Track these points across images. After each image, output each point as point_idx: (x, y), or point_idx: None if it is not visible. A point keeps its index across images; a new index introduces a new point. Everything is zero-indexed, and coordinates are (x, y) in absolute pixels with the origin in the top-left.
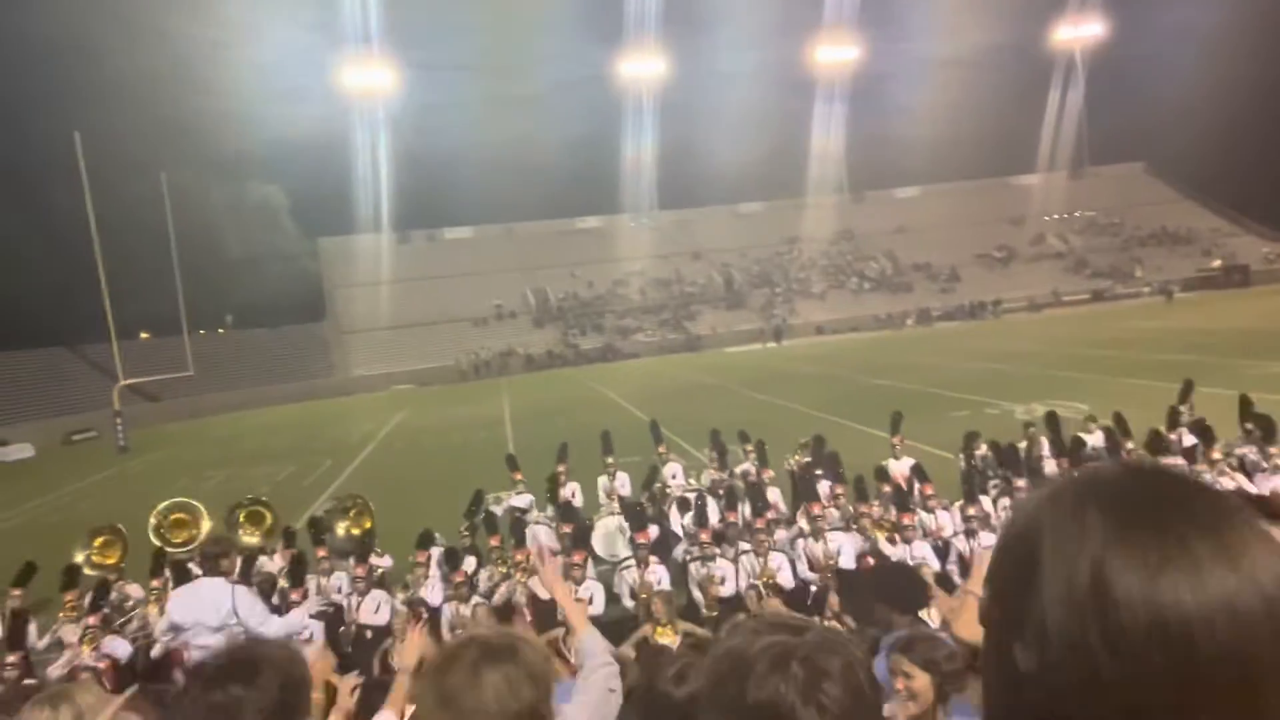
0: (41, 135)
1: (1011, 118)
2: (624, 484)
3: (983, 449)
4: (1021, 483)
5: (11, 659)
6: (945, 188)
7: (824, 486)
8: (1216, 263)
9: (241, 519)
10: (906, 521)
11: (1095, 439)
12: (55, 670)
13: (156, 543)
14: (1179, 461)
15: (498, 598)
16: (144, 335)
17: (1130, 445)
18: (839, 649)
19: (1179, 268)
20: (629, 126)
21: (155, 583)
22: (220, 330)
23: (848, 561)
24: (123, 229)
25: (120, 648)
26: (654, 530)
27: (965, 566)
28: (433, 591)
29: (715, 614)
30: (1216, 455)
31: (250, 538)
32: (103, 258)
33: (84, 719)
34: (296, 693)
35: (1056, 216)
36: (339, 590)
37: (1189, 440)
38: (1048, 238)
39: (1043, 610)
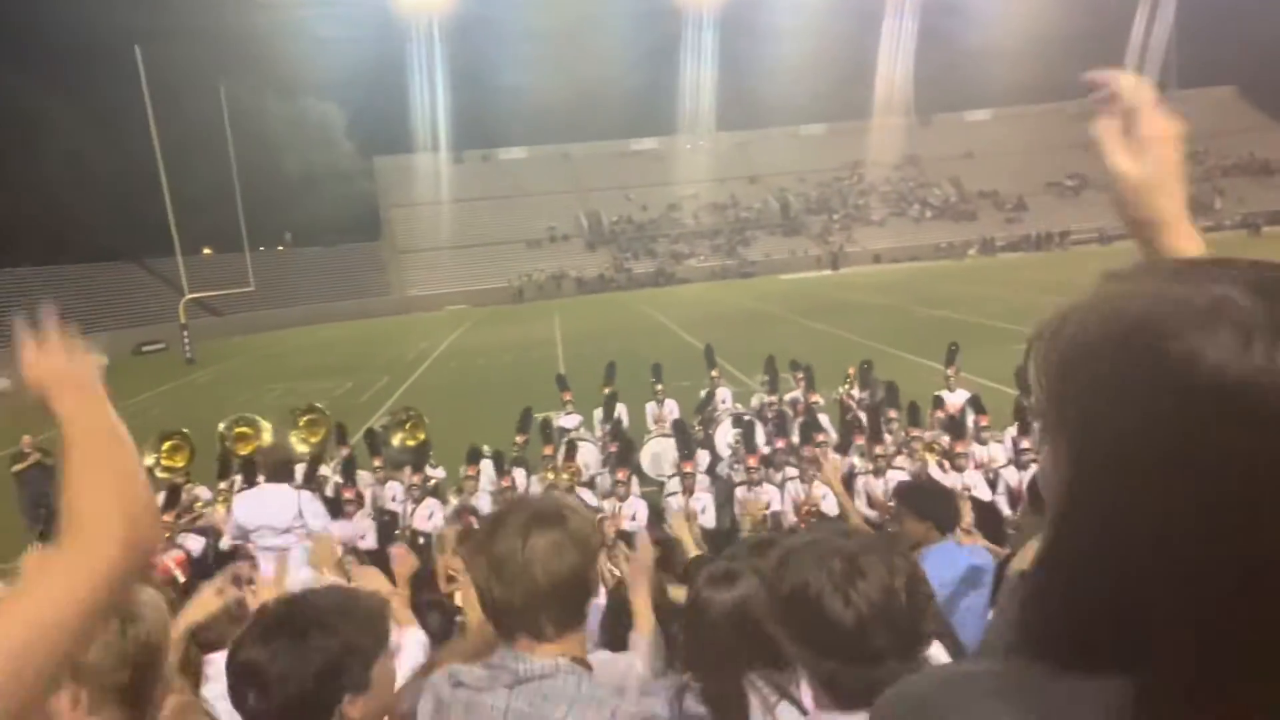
0: (103, 50)
1: (1094, 37)
2: (673, 410)
3: None
4: None
5: None
6: (1018, 111)
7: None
8: None
9: (301, 424)
10: (960, 449)
11: None
12: None
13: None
14: None
15: None
16: (207, 251)
17: None
18: (883, 553)
19: (1266, 200)
20: (688, 44)
21: (223, 485)
22: (279, 248)
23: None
24: (184, 144)
25: (193, 542)
26: (703, 457)
27: (1014, 498)
28: (483, 501)
29: (758, 537)
30: None
31: (306, 445)
32: (166, 173)
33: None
34: (341, 663)
35: None
36: (394, 499)
37: None
38: None
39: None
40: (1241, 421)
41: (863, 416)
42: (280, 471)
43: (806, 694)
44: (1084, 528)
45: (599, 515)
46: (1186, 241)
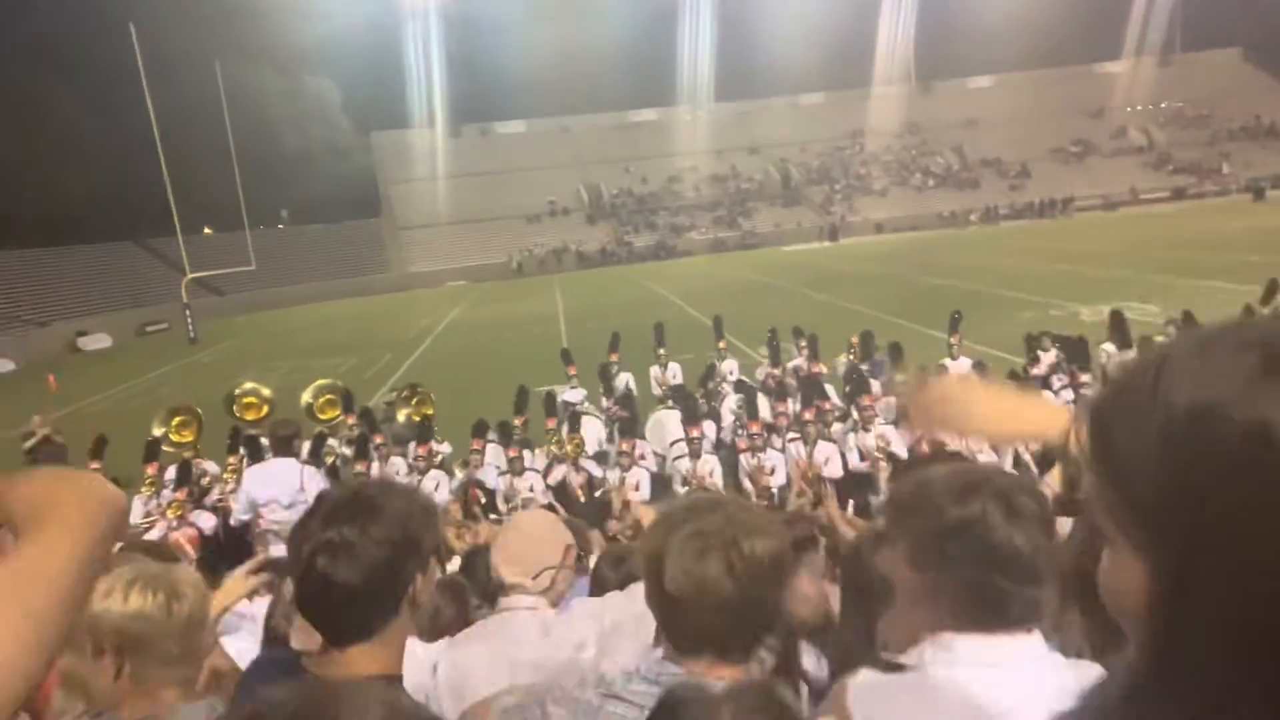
0: (97, 28)
1: (1098, 1)
2: (675, 373)
3: (1050, 352)
4: (1087, 378)
5: None
6: (1021, 77)
7: (875, 385)
8: None
9: (321, 403)
10: None
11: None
12: (152, 536)
13: (232, 419)
14: None
15: (552, 478)
16: (207, 230)
17: None
18: (1023, 486)
19: (1272, 163)
20: (687, 14)
21: (231, 459)
22: (279, 226)
23: (900, 450)
24: (181, 123)
25: (205, 520)
26: (708, 425)
27: (1018, 463)
28: (489, 474)
29: (765, 503)
30: None
31: (322, 419)
32: (164, 152)
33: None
34: (410, 548)
35: (1140, 108)
36: (398, 474)
37: None
38: (1129, 131)
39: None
40: None
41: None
42: (285, 445)
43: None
44: (1196, 639)
45: (605, 487)
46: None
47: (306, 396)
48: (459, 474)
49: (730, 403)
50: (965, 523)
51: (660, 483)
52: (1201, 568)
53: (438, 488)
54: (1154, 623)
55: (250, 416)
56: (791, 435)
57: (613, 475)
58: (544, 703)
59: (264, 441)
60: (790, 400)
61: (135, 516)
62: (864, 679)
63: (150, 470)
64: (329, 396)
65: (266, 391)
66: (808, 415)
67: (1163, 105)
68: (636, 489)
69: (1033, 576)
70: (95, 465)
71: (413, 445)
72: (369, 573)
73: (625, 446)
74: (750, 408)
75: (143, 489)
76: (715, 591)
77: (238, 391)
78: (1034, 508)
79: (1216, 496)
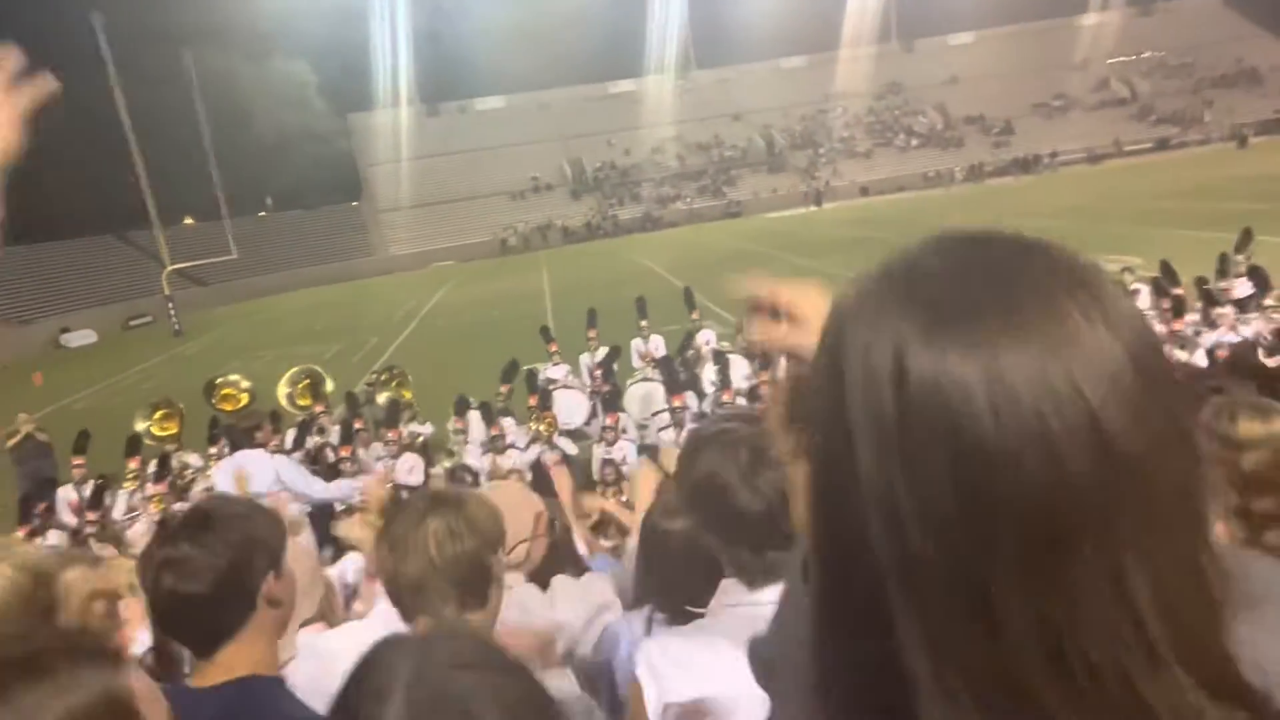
0: (60, 20)
1: None
2: (658, 346)
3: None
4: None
5: (91, 517)
6: (1002, 32)
7: None
8: None
9: (300, 389)
10: None
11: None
12: (135, 532)
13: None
14: (1228, 312)
15: (528, 456)
16: (187, 221)
17: (1179, 292)
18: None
19: (1255, 109)
20: None
21: (212, 449)
22: (261, 214)
23: None
24: (154, 113)
25: None
26: (690, 396)
27: None
28: (472, 453)
29: None
30: (1270, 301)
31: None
32: (137, 143)
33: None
34: (251, 550)
35: (1122, 59)
36: (379, 459)
37: (1243, 289)
38: (1111, 82)
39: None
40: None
41: None
42: (247, 437)
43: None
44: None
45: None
46: None
47: (283, 387)
48: (446, 464)
49: (710, 373)
50: (703, 483)
51: (646, 454)
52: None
53: (411, 470)
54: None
55: (229, 407)
56: None
57: (598, 450)
58: None
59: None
60: (774, 368)
61: (119, 511)
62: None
63: (133, 464)
64: (306, 382)
65: (246, 383)
66: None
67: (1145, 55)
68: (624, 462)
69: (773, 540)
70: (78, 461)
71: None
72: (213, 581)
73: (610, 421)
74: (724, 376)
75: (125, 483)
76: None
77: (218, 382)
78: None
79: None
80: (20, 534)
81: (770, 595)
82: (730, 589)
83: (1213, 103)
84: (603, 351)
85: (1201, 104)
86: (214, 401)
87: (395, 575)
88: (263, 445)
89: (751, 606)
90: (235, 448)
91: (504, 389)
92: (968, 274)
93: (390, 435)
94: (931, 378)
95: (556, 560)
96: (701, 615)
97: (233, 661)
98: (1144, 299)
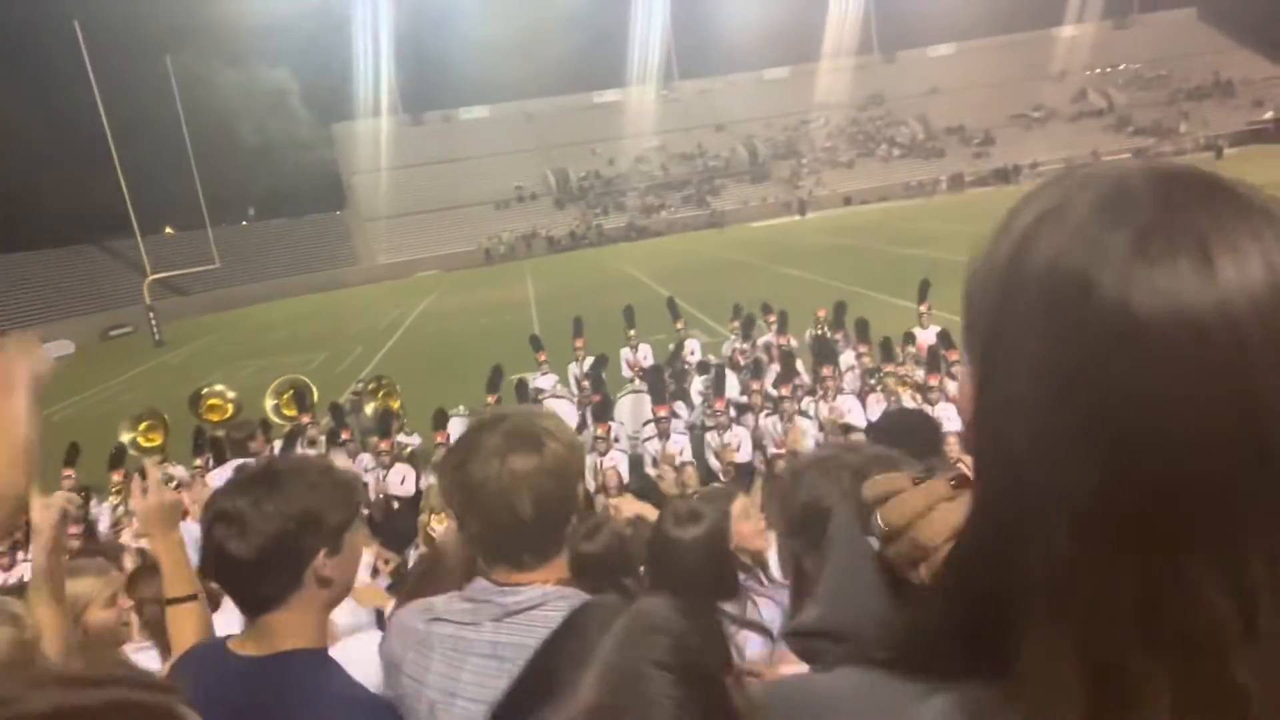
0: (41, 27)
1: None
2: (646, 355)
3: None
4: None
5: (74, 530)
6: (982, 44)
7: (846, 355)
8: (1269, 114)
9: (285, 400)
10: (932, 382)
11: None
12: (125, 539)
13: (197, 420)
14: None
15: None
16: (168, 230)
17: None
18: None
19: (1229, 121)
20: None
21: (198, 461)
22: (244, 223)
23: (858, 421)
24: (135, 121)
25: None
26: (679, 405)
27: None
28: None
29: (732, 479)
30: None
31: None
32: (118, 151)
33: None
34: (307, 525)
35: (1099, 71)
36: (366, 469)
37: None
38: (1089, 94)
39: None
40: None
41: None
42: (241, 447)
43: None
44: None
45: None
46: None
47: (269, 398)
48: (430, 471)
49: (697, 384)
50: (807, 507)
51: (633, 464)
52: (991, 384)
53: (404, 481)
54: (969, 422)
55: (215, 418)
56: (766, 412)
57: (589, 460)
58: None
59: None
60: (764, 377)
61: (104, 524)
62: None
63: (116, 477)
64: (291, 392)
65: (231, 393)
66: (784, 391)
67: (1121, 67)
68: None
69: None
70: (68, 473)
71: (375, 439)
72: (260, 546)
73: (601, 431)
74: (717, 386)
75: (110, 496)
76: None
77: (204, 392)
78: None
79: (1029, 332)
80: None
81: None
82: None
83: (1188, 114)
84: (590, 361)
85: (1177, 115)
86: (200, 412)
87: (472, 525)
88: (256, 455)
89: None
90: (220, 459)
91: (491, 399)
92: (1174, 200)
93: (382, 446)
94: (1124, 298)
95: None
96: None
97: (278, 631)
98: None
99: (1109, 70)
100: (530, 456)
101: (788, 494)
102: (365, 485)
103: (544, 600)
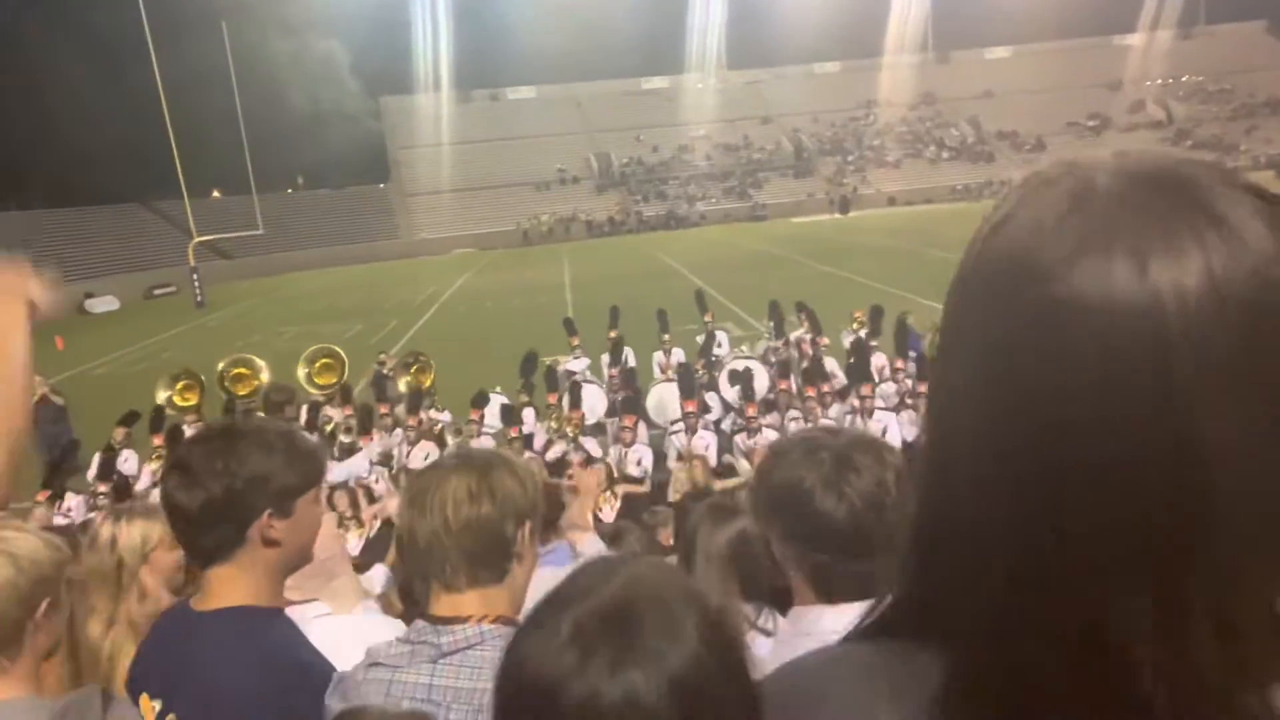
0: None
1: None
2: (679, 358)
3: None
4: None
5: (102, 489)
6: (1040, 48)
7: (879, 359)
8: None
9: (316, 369)
10: None
11: None
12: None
13: (223, 395)
14: None
15: (551, 454)
16: (216, 194)
17: None
18: (871, 449)
19: None
20: None
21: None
22: (289, 190)
23: (894, 440)
24: (188, 84)
25: None
26: (711, 399)
27: None
28: (485, 444)
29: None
30: None
31: (319, 387)
32: (170, 114)
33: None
34: (253, 485)
35: (1160, 81)
36: (399, 444)
37: None
38: (1148, 105)
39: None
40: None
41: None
42: (278, 410)
43: (773, 620)
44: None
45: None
46: None
47: (301, 366)
48: (452, 443)
49: (726, 388)
50: (782, 488)
51: (658, 458)
52: (940, 373)
53: (427, 457)
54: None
55: (241, 391)
56: (794, 414)
57: (614, 451)
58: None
59: (259, 415)
60: (793, 376)
61: (143, 483)
62: None
63: (157, 441)
64: (325, 360)
65: (260, 362)
66: (809, 392)
67: (1184, 79)
68: (639, 464)
69: (858, 550)
70: (122, 432)
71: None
72: (203, 502)
73: (628, 423)
74: (746, 390)
75: (151, 460)
76: None
77: (228, 363)
78: (874, 470)
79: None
80: (41, 498)
81: (848, 613)
82: (801, 615)
83: (1251, 130)
84: (622, 353)
85: (1240, 131)
86: (226, 384)
87: (408, 532)
88: (290, 420)
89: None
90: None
91: (520, 387)
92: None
93: (410, 421)
94: (1059, 288)
95: None
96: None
97: (226, 587)
98: None
99: (1170, 81)
100: (470, 476)
101: (765, 472)
102: (390, 456)
103: (480, 640)
